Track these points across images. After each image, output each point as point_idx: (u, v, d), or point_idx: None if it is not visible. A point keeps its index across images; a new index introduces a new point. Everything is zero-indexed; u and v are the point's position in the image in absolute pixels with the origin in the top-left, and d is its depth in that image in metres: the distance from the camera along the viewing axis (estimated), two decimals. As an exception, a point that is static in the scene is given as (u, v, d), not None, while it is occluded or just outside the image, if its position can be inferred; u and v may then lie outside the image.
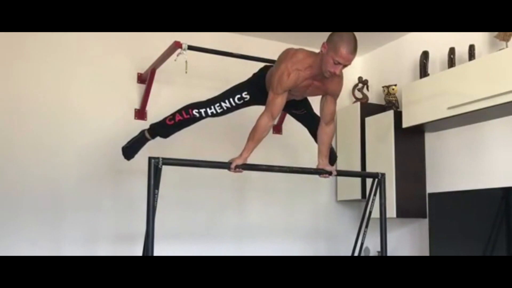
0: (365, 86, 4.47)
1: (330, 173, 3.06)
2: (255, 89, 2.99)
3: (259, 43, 4.26)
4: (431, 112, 3.54)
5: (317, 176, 3.19)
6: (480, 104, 3.19)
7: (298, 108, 3.18)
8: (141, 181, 2.86)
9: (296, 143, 4.31)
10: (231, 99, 3.01)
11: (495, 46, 3.40)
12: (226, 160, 3.04)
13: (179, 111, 3.09)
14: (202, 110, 3.04)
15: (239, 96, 3.00)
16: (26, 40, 3.55)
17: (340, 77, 2.83)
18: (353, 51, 2.61)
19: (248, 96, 3.00)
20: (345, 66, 2.66)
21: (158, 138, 3.84)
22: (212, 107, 3.03)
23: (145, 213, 2.59)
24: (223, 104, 3.02)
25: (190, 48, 3.28)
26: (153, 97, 3.80)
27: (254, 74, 3.08)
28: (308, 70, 2.75)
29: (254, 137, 2.80)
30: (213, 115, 3.06)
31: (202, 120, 3.11)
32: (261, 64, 3.82)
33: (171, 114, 3.12)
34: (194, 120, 3.10)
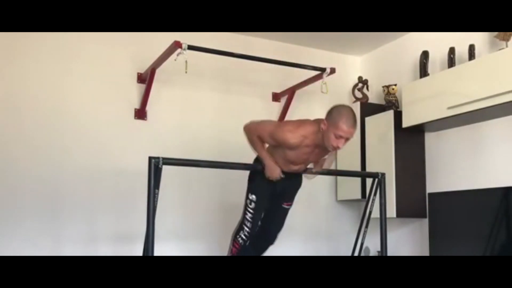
0: (365, 86, 4.47)
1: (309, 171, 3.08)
2: (256, 183, 3.04)
3: (259, 43, 4.26)
4: (431, 112, 3.54)
5: (317, 176, 3.20)
6: (480, 104, 3.19)
7: (284, 198, 3.16)
8: (141, 181, 2.85)
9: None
10: (247, 211, 3.04)
11: (495, 46, 3.40)
12: (225, 159, 3.06)
13: (232, 244, 3.12)
14: (242, 234, 3.06)
15: (248, 201, 3.04)
16: (25, 40, 3.55)
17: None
18: (353, 124, 2.67)
19: (254, 196, 3.02)
20: (347, 139, 2.69)
21: (157, 137, 3.86)
22: (244, 226, 3.06)
23: (145, 213, 2.59)
24: (247, 218, 3.04)
25: (190, 48, 3.28)
26: (153, 97, 3.80)
27: (249, 173, 3.12)
28: (311, 139, 2.81)
29: (257, 147, 2.96)
30: (252, 230, 3.05)
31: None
32: (261, 64, 3.84)
33: (229, 249, 3.14)
34: (245, 248, 3.09)
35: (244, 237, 3.06)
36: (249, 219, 3.04)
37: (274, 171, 2.95)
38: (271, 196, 3.06)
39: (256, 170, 3.04)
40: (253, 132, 2.94)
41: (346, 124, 2.64)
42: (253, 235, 3.07)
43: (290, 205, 3.19)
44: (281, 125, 2.94)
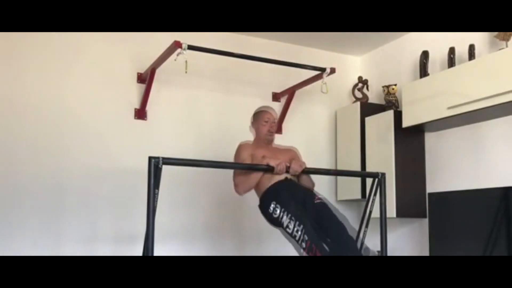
0: (365, 86, 4.47)
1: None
2: (271, 194, 2.99)
3: (259, 43, 4.26)
4: (431, 112, 3.54)
5: (317, 175, 3.20)
6: (480, 104, 3.19)
7: (309, 197, 3.02)
8: (141, 181, 2.85)
9: (296, 142, 4.30)
10: (287, 227, 2.82)
11: (495, 46, 3.40)
12: (225, 159, 3.04)
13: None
14: (300, 246, 2.77)
15: (280, 218, 2.86)
16: (26, 40, 3.55)
17: (289, 149, 3.31)
18: (270, 109, 3.28)
19: (278, 205, 2.89)
20: (273, 123, 3.21)
21: (157, 137, 3.86)
22: (302, 243, 2.75)
23: (145, 213, 2.59)
24: (295, 231, 2.76)
25: (190, 48, 3.28)
26: (153, 97, 3.80)
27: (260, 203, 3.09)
28: (256, 145, 3.21)
29: (250, 176, 3.06)
30: (308, 236, 2.72)
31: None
32: (261, 64, 3.84)
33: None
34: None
35: (304, 243, 2.72)
36: (296, 229, 2.75)
37: (276, 159, 2.99)
38: (294, 200, 2.90)
39: (266, 199, 3.01)
40: (237, 178, 3.08)
41: (264, 110, 3.23)
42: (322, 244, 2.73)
43: (321, 199, 3.01)
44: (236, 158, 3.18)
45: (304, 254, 2.74)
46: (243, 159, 3.11)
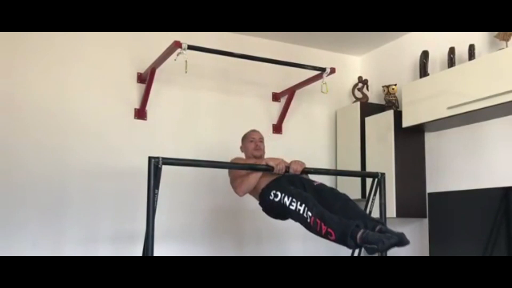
0: (365, 86, 4.47)
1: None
2: (271, 185, 3.00)
3: (259, 42, 4.26)
4: (431, 112, 3.54)
5: (317, 175, 3.21)
6: (480, 104, 3.19)
7: (306, 181, 3.08)
8: (141, 181, 2.85)
9: (296, 142, 4.31)
10: (283, 202, 2.87)
11: (495, 46, 3.40)
12: (225, 159, 3.03)
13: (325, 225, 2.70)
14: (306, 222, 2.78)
15: (273, 197, 2.93)
16: (25, 40, 3.55)
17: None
18: (255, 130, 3.41)
19: (278, 192, 2.91)
20: (259, 142, 3.32)
21: (157, 137, 3.85)
22: (301, 210, 2.78)
23: (145, 213, 2.59)
24: (297, 207, 2.79)
25: (190, 48, 3.28)
26: (153, 97, 3.80)
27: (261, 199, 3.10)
28: (247, 158, 3.36)
29: (250, 175, 3.09)
30: (312, 211, 2.71)
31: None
32: (261, 64, 3.84)
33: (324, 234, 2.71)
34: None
35: (304, 213, 2.72)
36: (299, 208, 2.75)
37: (275, 159, 3.04)
38: (293, 185, 2.94)
39: (266, 191, 3.02)
40: (236, 181, 3.12)
41: (250, 132, 3.39)
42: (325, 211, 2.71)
43: (320, 183, 3.04)
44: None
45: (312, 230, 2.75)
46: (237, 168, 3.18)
